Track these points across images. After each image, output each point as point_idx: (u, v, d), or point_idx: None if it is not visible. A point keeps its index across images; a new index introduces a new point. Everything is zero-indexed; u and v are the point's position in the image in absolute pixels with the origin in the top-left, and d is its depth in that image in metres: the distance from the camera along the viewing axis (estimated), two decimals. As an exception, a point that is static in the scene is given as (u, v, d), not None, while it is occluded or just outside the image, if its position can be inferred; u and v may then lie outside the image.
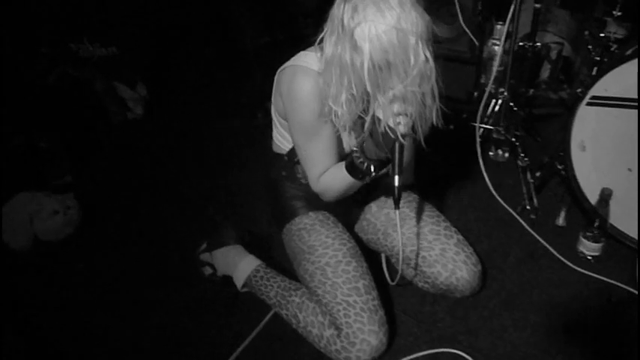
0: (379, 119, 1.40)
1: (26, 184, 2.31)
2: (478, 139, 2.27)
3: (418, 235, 1.73)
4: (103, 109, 2.85)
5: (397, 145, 1.40)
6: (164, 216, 2.31)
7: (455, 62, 3.34)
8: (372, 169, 1.49)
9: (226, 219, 2.19)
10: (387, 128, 1.38)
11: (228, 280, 1.86)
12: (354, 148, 1.52)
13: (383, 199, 1.90)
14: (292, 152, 1.72)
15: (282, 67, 1.58)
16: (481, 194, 2.27)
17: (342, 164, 1.57)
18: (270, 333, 1.73)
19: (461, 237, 1.75)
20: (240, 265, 1.83)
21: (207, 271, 1.91)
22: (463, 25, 3.12)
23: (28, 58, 2.74)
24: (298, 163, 1.70)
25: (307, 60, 1.51)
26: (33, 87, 2.63)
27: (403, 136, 1.38)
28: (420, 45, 1.32)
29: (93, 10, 2.98)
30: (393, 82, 1.34)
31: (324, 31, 1.40)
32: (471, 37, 3.22)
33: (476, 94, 2.79)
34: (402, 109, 1.37)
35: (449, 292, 1.72)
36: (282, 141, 1.76)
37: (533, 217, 2.12)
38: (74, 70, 2.84)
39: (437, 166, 2.44)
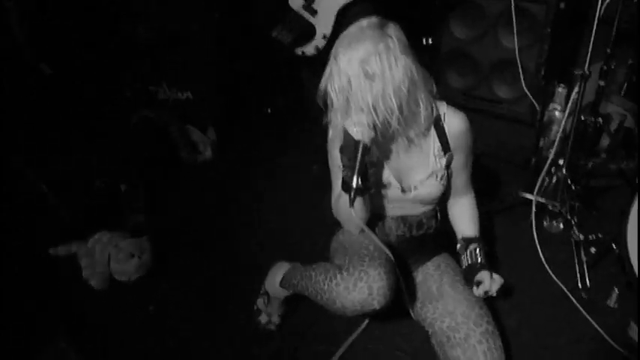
0: (345, 130, 1.62)
1: (104, 222, 2.52)
2: (533, 213, 2.32)
3: (451, 313, 1.78)
4: (176, 151, 3.03)
5: (359, 149, 1.58)
6: (231, 261, 2.44)
7: (514, 124, 3.39)
8: (347, 176, 1.62)
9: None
10: (348, 135, 1.61)
11: (282, 326, 2.01)
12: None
13: (441, 258, 2.01)
14: None
15: None
16: (533, 266, 2.31)
17: None
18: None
19: (491, 328, 1.74)
20: (280, 270, 2.02)
21: (264, 319, 2.04)
22: (524, 87, 3.17)
23: (114, 101, 2.97)
24: None
25: None
26: (118, 128, 2.84)
27: (358, 142, 1.58)
28: (371, 65, 1.54)
29: (171, 55, 3.20)
30: (351, 99, 1.61)
31: None
32: (532, 100, 3.27)
33: (534, 160, 2.83)
34: (357, 119, 1.60)
35: None
36: None
37: (585, 296, 2.14)
38: (152, 112, 3.05)
39: (490, 233, 2.50)
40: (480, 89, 3.50)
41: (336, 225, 2.04)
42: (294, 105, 3.60)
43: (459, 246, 1.97)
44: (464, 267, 1.90)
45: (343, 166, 1.64)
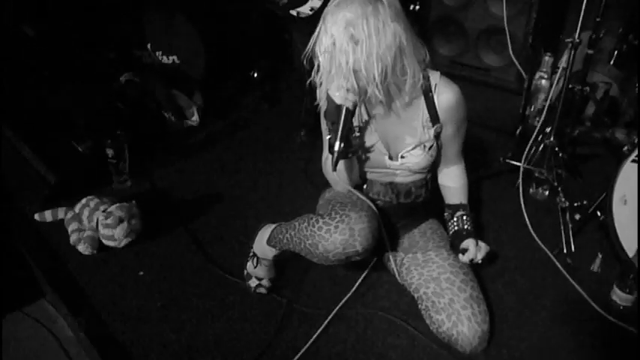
0: (328, 95, 1.66)
1: (91, 187, 2.50)
2: (520, 180, 2.36)
3: (435, 279, 1.82)
4: (162, 115, 2.99)
5: (342, 112, 1.60)
6: (219, 224, 2.44)
7: (501, 91, 3.41)
8: (331, 139, 1.64)
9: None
10: (331, 100, 1.64)
11: (273, 286, 2.03)
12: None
13: (428, 224, 2.06)
14: None
15: None
16: (519, 232, 2.36)
17: None
18: (319, 351, 1.83)
19: (475, 293, 1.79)
20: (266, 231, 1.99)
21: (253, 282, 2.05)
22: (512, 55, 3.18)
23: (99, 63, 2.90)
24: None
25: None
26: (102, 92, 2.79)
27: (340, 106, 1.61)
28: (356, 28, 1.53)
29: (156, 19, 3.13)
30: (334, 62, 1.60)
31: None
32: (519, 68, 3.29)
33: (520, 127, 2.85)
34: (339, 83, 1.61)
35: (450, 344, 1.75)
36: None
37: (569, 261, 2.19)
38: (138, 76, 2.99)
39: (477, 199, 2.53)
40: (468, 57, 3.52)
41: (325, 186, 2.08)
42: (282, 68, 3.56)
43: (446, 213, 2.00)
44: (450, 234, 1.93)
45: (328, 129, 1.67)
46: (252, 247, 2.06)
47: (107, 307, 2.01)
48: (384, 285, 2.08)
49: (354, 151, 1.75)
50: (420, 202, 2.03)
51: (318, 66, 1.67)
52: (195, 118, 3.11)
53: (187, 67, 3.28)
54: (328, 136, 1.67)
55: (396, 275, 1.97)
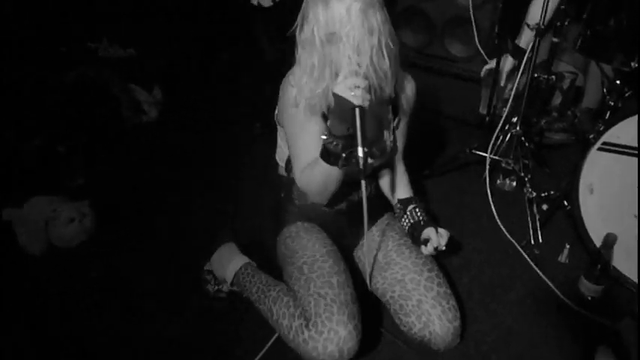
0: (338, 95, 1.42)
1: (41, 186, 2.37)
2: (487, 171, 2.31)
3: (400, 281, 1.73)
4: (118, 111, 2.88)
5: (357, 115, 1.40)
6: (176, 222, 2.36)
7: (467, 82, 3.37)
8: (340, 148, 1.49)
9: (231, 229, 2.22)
10: (344, 101, 1.41)
11: (233, 293, 1.93)
12: (325, 133, 1.52)
13: (384, 220, 1.95)
14: (289, 162, 1.79)
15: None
16: (487, 224, 2.32)
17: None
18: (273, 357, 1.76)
19: (443, 289, 1.70)
20: (231, 263, 1.90)
21: (212, 288, 1.96)
22: (478, 45, 3.14)
23: (47, 57, 2.76)
24: (294, 183, 1.76)
25: None
26: (52, 87, 2.66)
27: (359, 106, 1.40)
28: (369, 17, 1.42)
29: (113, 10, 3.01)
30: (342, 57, 1.44)
31: None
32: (485, 58, 3.25)
33: (487, 118, 2.82)
34: (354, 82, 1.40)
35: (423, 344, 1.67)
36: (282, 149, 1.88)
37: (537, 252, 2.16)
38: (92, 70, 2.86)
39: (444, 191, 2.49)
40: (434, 47, 3.46)
41: (285, 200, 1.92)
42: (241, 60, 3.47)
43: (397, 210, 1.92)
44: (407, 228, 1.85)
45: (332, 135, 1.48)
46: (209, 265, 1.98)
47: (56, 307, 1.92)
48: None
49: (381, 153, 1.62)
50: (374, 196, 1.95)
51: (302, 59, 1.53)
52: (154, 113, 3.00)
53: (147, 60, 3.16)
54: (324, 137, 1.51)
55: (367, 283, 1.85)
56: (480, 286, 2.03)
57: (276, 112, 1.78)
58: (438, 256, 1.80)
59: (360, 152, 1.40)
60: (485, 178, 2.37)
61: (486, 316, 1.90)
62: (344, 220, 1.87)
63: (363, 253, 1.88)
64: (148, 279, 2.05)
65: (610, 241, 1.88)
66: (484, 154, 2.44)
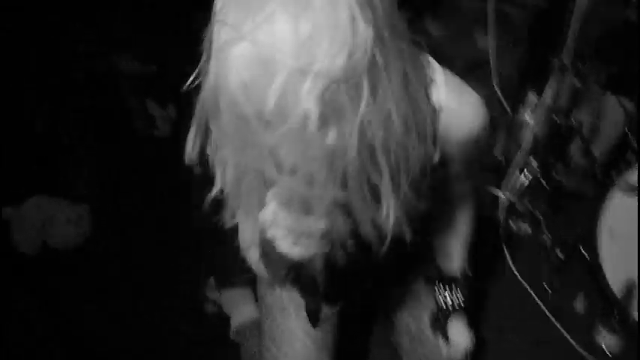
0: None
1: (42, 185, 2.31)
2: (502, 211, 2.24)
3: None
4: (129, 121, 2.86)
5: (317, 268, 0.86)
6: (176, 239, 2.29)
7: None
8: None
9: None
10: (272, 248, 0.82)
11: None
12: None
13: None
14: None
15: None
16: (499, 268, 2.23)
17: None
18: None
19: None
20: (241, 313, 1.81)
21: (211, 309, 1.89)
22: (496, 87, 3.12)
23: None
24: None
25: None
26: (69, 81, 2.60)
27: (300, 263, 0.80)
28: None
29: (136, 26, 3.02)
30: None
31: None
32: (503, 102, 3.23)
33: (503, 161, 2.76)
34: (287, 221, 0.80)
35: None
36: None
37: (550, 299, 2.07)
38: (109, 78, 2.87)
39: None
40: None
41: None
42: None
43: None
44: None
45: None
46: (218, 296, 1.92)
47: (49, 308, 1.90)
48: None
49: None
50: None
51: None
52: (167, 129, 2.97)
53: (165, 77, 3.15)
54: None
55: None
56: (491, 330, 1.95)
57: None
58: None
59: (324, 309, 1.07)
60: (499, 220, 2.29)
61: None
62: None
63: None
64: (139, 294, 2.02)
65: (630, 286, 1.78)
66: (500, 194, 2.37)
